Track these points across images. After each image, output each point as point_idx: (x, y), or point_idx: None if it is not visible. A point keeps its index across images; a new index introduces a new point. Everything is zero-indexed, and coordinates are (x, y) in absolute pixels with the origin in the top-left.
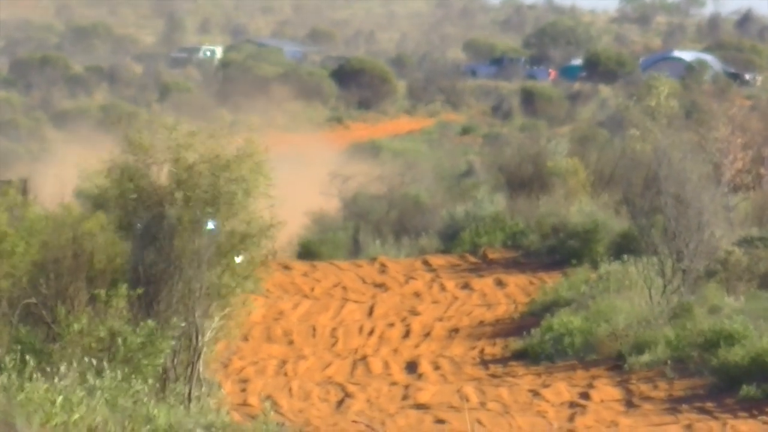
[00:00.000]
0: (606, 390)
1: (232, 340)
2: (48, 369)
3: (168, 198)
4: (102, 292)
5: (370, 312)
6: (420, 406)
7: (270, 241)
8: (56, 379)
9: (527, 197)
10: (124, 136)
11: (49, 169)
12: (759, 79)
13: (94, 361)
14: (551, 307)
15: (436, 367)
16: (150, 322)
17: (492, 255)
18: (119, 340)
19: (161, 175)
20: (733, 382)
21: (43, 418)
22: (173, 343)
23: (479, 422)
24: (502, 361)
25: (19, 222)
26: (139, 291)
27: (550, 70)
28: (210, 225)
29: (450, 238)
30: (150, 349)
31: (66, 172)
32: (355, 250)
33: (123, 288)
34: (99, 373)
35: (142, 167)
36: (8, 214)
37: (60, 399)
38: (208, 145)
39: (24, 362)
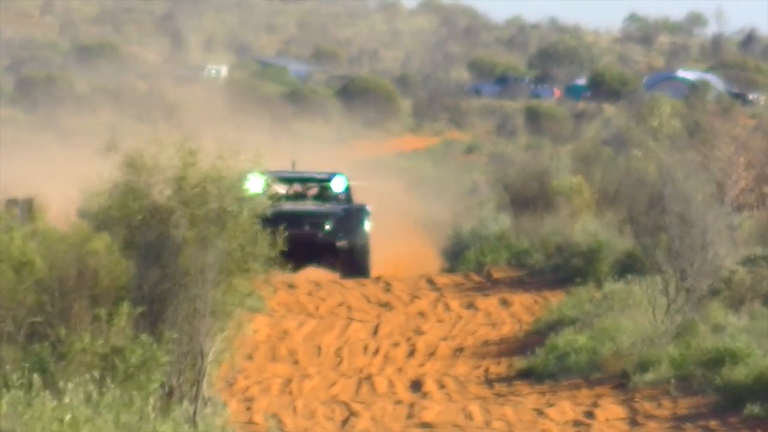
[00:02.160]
0: (610, 408)
1: (236, 360)
2: (55, 387)
3: (172, 217)
4: (102, 312)
5: (375, 331)
6: (425, 425)
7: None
8: (64, 398)
9: (532, 216)
10: (125, 157)
11: (54, 188)
12: (762, 98)
13: (97, 377)
14: (555, 326)
15: (441, 386)
16: (146, 337)
17: (497, 274)
18: (118, 357)
19: (165, 194)
20: (737, 401)
21: None
22: (174, 360)
23: None
24: (507, 380)
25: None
26: (140, 309)
27: (555, 89)
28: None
29: (455, 257)
30: (150, 364)
31: (71, 190)
32: None
33: (124, 306)
34: (102, 390)
35: (145, 187)
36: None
37: (68, 417)
38: (215, 164)
39: (30, 380)
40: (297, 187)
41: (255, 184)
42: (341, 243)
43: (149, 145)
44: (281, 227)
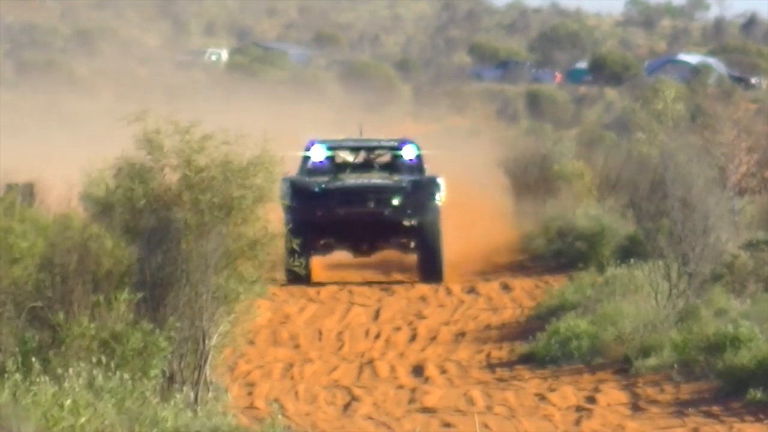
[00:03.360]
0: (612, 394)
1: (239, 345)
2: (55, 372)
3: (176, 201)
4: (101, 297)
5: (377, 316)
6: (426, 410)
7: (279, 249)
8: (64, 383)
9: (533, 200)
10: (140, 133)
11: (55, 172)
12: (764, 82)
13: (95, 361)
14: (557, 311)
15: (443, 371)
16: (147, 323)
17: (498, 259)
18: (117, 343)
19: (172, 177)
20: (739, 386)
21: (50, 421)
22: (176, 345)
23: (486, 426)
24: (509, 364)
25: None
26: (139, 295)
27: (556, 74)
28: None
29: None
30: (150, 350)
31: (72, 175)
32: None
33: (124, 292)
34: (105, 374)
35: (155, 167)
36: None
37: (68, 402)
38: (222, 150)
39: (30, 366)
40: (363, 156)
41: (317, 153)
42: (409, 221)
43: (166, 125)
44: (341, 206)
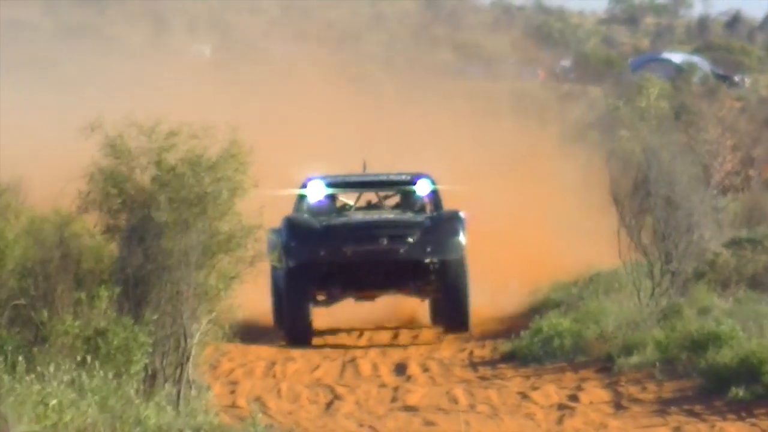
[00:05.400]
0: (595, 392)
1: (220, 342)
2: (38, 370)
3: (153, 200)
4: (83, 294)
5: (359, 313)
6: (409, 408)
7: (257, 243)
8: (49, 381)
9: None
10: (106, 138)
11: (39, 170)
12: (748, 80)
13: (79, 359)
14: (540, 309)
15: (425, 370)
16: (128, 319)
17: None
18: (100, 339)
19: (145, 177)
20: (721, 384)
21: (34, 419)
22: (158, 342)
23: (468, 424)
24: (491, 363)
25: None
26: (119, 290)
27: (540, 71)
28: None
29: None
30: (132, 345)
31: (56, 172)
32: None
33: (103, 289)
34: (88, 373)
35: (126, 170)
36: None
37: (54, 402)
38: (190, 145)
39: (14, 364)
40: (370, 195)
41: (316, 191)
42: (431, 259)
43: (129, 128)
44: (348, 244)
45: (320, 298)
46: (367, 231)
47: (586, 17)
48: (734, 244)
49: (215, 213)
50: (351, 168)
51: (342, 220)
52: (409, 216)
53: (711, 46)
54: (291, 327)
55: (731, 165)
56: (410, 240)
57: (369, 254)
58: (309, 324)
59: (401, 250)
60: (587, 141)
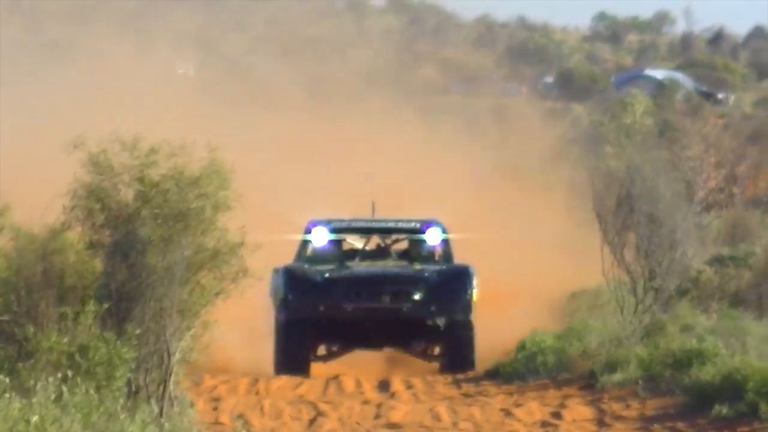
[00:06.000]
0: (578, 409)
1: (203, 359)
2: (22, 387)
3: (136, 216)
4: (68, 310)
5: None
6: (392, 426)
7: (240, 260)
8: (31, 398)
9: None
10: (89, 155)
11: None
12: (732, 97)
13: (61, 376)
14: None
15: (409, 386)
16: (110, 334)
17: None
18: (82, 355)
19: (128, 193)
20: (704, 401)
21: None
22: (141, 358)
23: None
24: (475, 380)
25: None
26: (106, 306)
27: (523, 88)
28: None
29: None
30: (114, 361)
31: (39, 190)
32: None
33: (90, 304)
34: (71, 389)
35: (109, 186)
36: None
37: (35, 419)
38: (172, 161)
39: None
40: (376, 241)
41: (319, 237)
42: (436, 320)
43: (112, 144)
44: (348, 300)
45: (320, 353)
46: (369, 286)
47: (569, 34)
48: (717, 261)
49: (199, 229)
50: (338, 184)
51: (344, 272)
52: (414, 269)
53: (694, 63)
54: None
55: (715, 182)
56: (415, 297)
57: (370, 312)
58: (306, 376)
59: (404, 309)
60: (570, 158)
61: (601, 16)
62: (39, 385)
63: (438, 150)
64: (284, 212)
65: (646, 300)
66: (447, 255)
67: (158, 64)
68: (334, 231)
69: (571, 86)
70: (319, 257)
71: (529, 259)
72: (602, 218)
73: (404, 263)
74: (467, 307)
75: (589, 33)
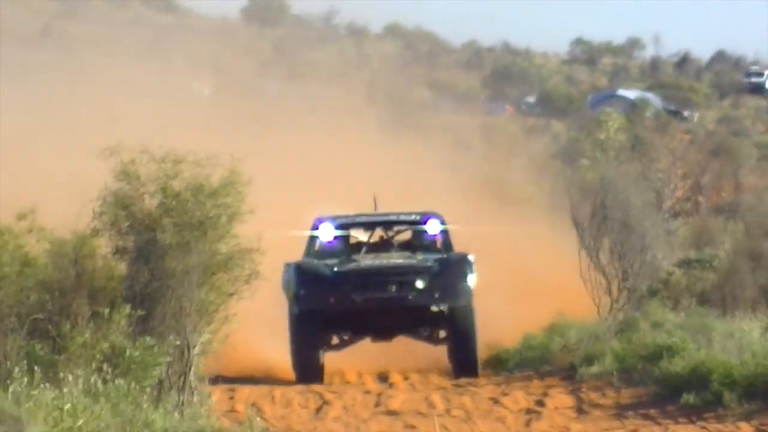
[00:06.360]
0: (559, 398)
1: (219, 353)
2: (55, 379)
3: (158, 224)
4: (104, 310)
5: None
6: (391, 413)
7: (251, 263)
8: (64, 388)
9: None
10: (119, 166)
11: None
12: (696, 115)
13: (100, 369)
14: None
15: (406, 378)
16: (148, 339)
17: None
18: (120, 355)
19: (152, 202)
20: (674, 391)
21: (51, 423)
22: (168, 359)
23: (445, 427)
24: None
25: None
26: (140, 312)
27: (508, 107)
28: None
29: None
30: (148, 361)
31: (69, 199)
32: None
33: (126, 307)
34: (104, 382)
35: (135, 195)
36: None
37: (68, 406)
38: (194, 173)
39: (32, 373)
40: (379, 233)
41: (326, 233)
42: (438, 307)
43: (141, 155)
44: (357, 292)
45: (333, 342)
46: (376, 278)
47: (549, 58)
48: (685, 263)
49: (215, 236)
50: (341, 191)
51: (351, 266)
52: (417, 260)
53: (662, 84)
54: (301, 370)
55: (681, 192)
56: (418, 286)
57: (378, 302)
58: (319, 367)
59: (409, 297)
60: (551, 170)
61: (578, 41)
62: (71, 378)
63: (430, 162)
64: (293, 213)
65: (620, 299)
66: (447, 244)
67: (177, 86)
68: (339, 226)
69: (551, 105)
70: (326, 252)
71: (518, 258)
72: (579, 225)
73: (407, 254)
74: (468, 293)
75: (567, 57)
